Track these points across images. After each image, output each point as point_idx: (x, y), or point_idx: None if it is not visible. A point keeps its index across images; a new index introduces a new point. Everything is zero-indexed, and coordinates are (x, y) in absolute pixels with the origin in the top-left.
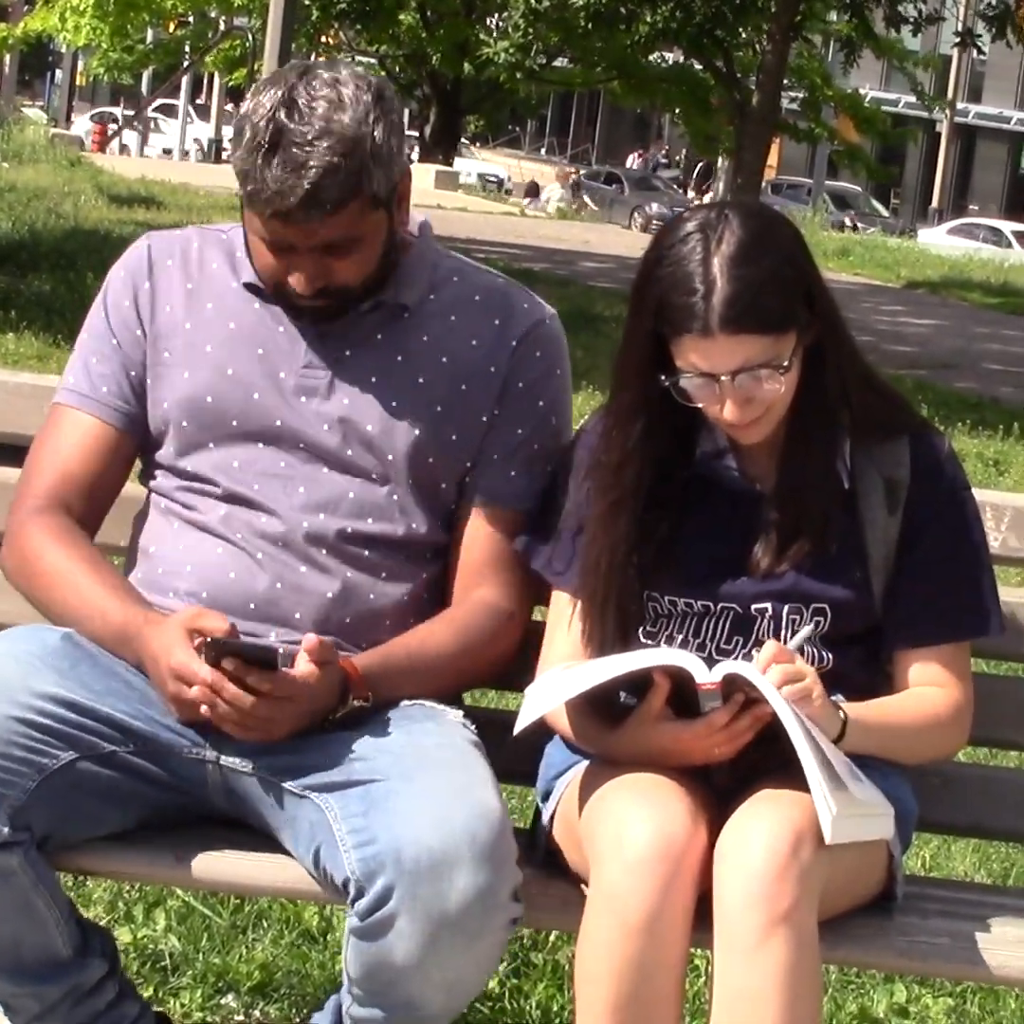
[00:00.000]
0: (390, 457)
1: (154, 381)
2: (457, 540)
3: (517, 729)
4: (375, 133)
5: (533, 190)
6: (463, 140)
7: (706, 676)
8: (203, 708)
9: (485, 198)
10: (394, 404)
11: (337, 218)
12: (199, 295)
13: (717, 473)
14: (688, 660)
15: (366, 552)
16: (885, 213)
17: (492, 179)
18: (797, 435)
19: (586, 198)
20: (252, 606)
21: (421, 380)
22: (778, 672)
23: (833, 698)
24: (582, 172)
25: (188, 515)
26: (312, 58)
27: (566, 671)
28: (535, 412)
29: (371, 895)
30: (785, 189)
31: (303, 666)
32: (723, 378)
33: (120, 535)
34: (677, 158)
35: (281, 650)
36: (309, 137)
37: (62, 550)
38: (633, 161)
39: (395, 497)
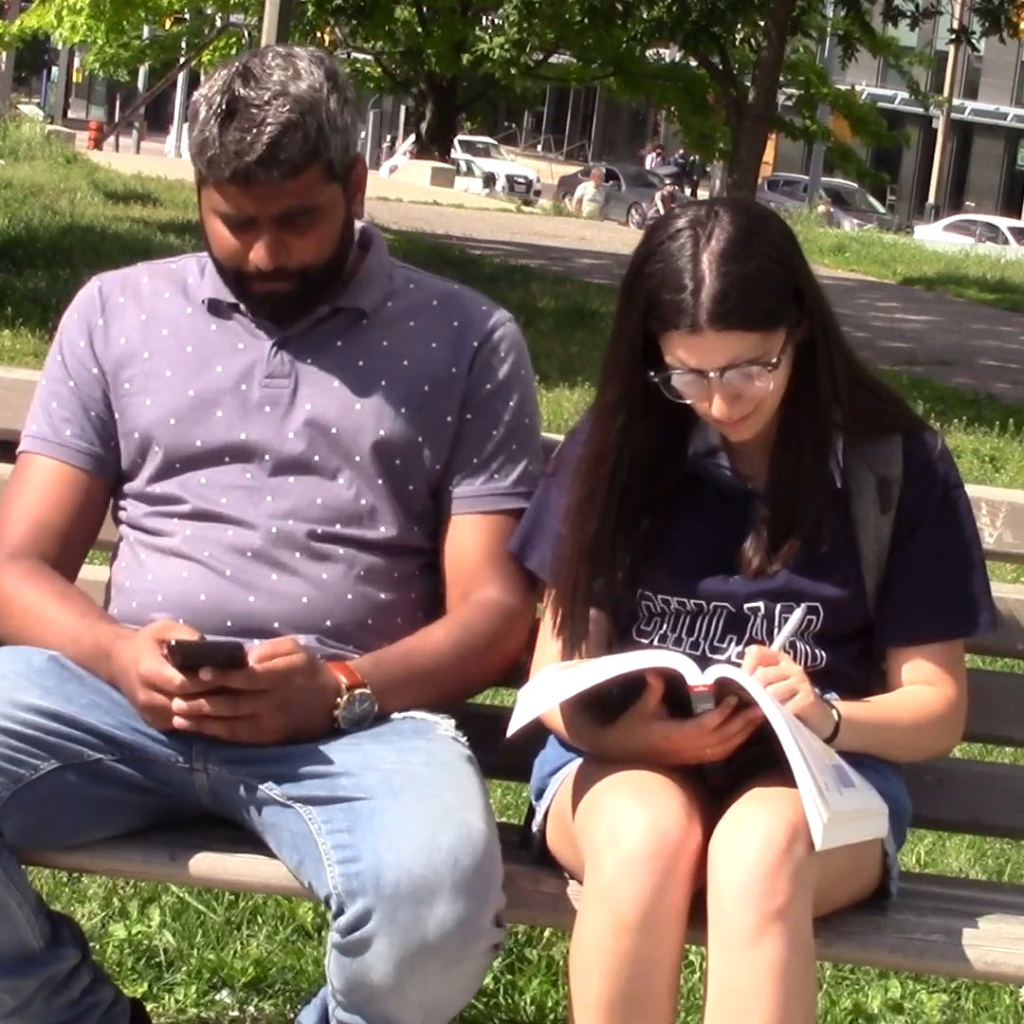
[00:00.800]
0: (357, 459)
1: (120, 414)
2: (449, 550)
3: (510, 731)
4: (330, 101)
5: (490, 180)
6: (492, 140)
7: (698, 679)
8: (178, 720)
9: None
10: (358, 407)
11: (296, 182)
12: (154, 324)
13: (709, 470)
14: (681, 662)
15: (340, 549)
16: (881, 209)
17: (521, 181)
18: (789, 433)
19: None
20: (229, 623)
21: (384, 383)
22: (762, 674)
23: (826, 696)
24: (603, 169)
25: (153, 541)
26: None
27: (559, 672)
28: (507, 412)
29: (351, 914)
30: (781, 186)
31: (264, 657)
32: (712, 375)
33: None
34: (693, 157)
35: (246, 644)
36: (265, 98)
37: (31, 588)
38: (652, 161)
39: (363, 501)
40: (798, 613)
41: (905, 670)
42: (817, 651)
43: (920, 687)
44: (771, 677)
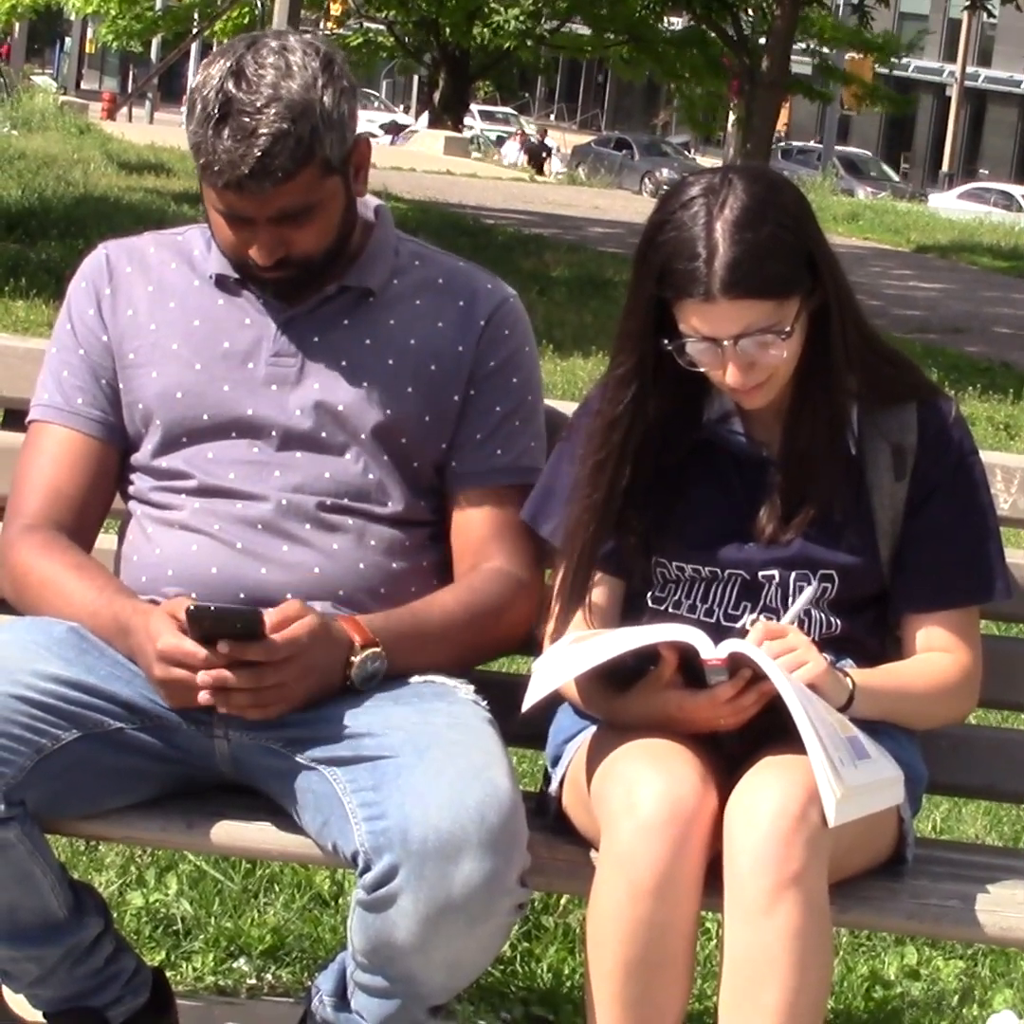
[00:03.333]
0: (363, 436)
1: (124, 384)
2: (455, 526)
3: (525, 707)
4: (324, 97)
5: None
6: (512, 110)
7: (712, 652)
8: (203, 695)
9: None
10: (365, 384)
11: (290, 186)
12: (161, 296)
13: (723, 437)
14: (694, 635)
15: (350, 520)
16: (895, 177)
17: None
18: (803, 400)
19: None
20: (241, 595)
21: (390, 362)
22: (769, 648)
23: (841, 664)
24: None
25: (162, 515)
26: (321, 25)
27: (573, 645)
28: (511, 389)
29: (377, 870)
30: (795, 154)
31: (276, 626)
32: (725, 343)
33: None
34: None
35: (264, 612)
36: (257, 104)
37: (48, 561)
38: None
39: (371, 475)
40: (808, 591)
41: (920, 637)
42: (832, 618)
43: (935, 654)
44: (777, 650)
